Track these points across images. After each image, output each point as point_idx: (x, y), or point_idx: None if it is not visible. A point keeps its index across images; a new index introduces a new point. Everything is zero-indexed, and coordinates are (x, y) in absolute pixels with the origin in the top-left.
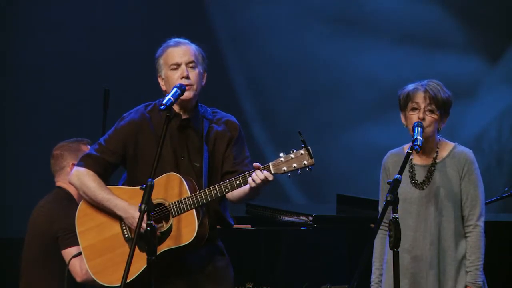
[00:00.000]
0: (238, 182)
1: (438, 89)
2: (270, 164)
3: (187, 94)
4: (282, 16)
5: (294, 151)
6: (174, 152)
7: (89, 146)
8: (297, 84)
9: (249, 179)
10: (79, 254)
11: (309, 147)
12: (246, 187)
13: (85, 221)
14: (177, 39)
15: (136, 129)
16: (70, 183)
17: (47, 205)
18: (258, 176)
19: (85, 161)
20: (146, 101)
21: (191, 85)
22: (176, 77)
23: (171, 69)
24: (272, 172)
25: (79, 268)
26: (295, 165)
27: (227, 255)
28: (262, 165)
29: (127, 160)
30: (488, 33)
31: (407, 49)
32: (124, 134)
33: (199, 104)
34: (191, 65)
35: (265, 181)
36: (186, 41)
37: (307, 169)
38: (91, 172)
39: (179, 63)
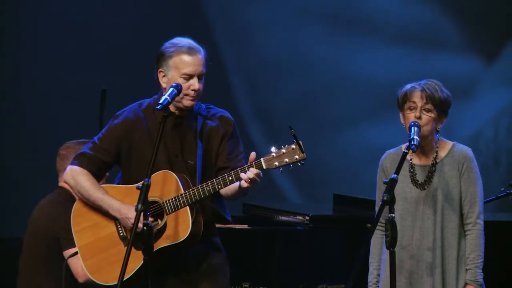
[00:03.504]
0: (230, 178)
1: (435, 88)
2: (262, 159)
3: (191, 103)
4: (280, 16)
5: (286, 145)
6: (168, 151)
7: None
8: (294, 84)
9: (242, 181)
10: (76, 253)
11: (300, 142)
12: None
13: (80, 220)
14: (190, 43)
15: (130, 128)
16: (65, 182)
17: (48, 205)
18: (248, 175)
19: (80, 160)
20: None
21: (197, 96)
22: (185, 86)
23: (182, 77)
24: (264, 167)
25: (81, 269)
26: (286, 160)
27: (224, 251)
28: (254, 161)
29: (121, 159)
30: (485, 33)
31: (404, 49)
32: (118, 133)
33: None
34: (201, 76)
35: (256, 179)
36: (198, 46)
37: (298, 163)
38: (85, 171)
39: (192, 75)
